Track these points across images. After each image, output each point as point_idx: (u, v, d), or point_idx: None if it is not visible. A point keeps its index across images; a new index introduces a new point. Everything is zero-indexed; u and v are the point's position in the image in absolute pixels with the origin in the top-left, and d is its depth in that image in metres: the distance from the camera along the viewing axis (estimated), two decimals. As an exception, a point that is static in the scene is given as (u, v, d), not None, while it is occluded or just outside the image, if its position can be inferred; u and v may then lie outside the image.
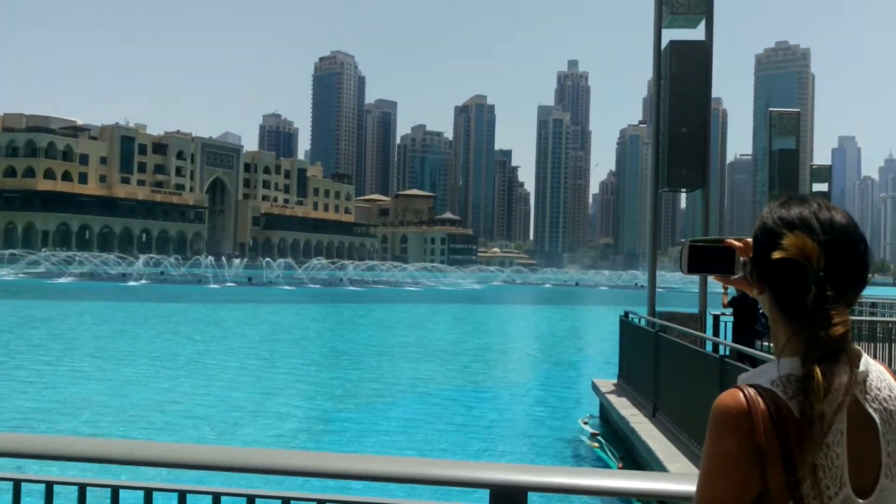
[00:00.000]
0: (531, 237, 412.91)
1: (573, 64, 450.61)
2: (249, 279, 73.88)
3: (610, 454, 11.45)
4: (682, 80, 12.02)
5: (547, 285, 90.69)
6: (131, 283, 61.41)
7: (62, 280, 63.75)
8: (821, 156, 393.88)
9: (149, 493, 2.54)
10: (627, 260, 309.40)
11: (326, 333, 30.51)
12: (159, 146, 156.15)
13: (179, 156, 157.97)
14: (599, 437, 12.41)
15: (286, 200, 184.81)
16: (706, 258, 1.62)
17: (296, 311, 42.32)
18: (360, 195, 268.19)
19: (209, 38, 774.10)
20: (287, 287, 66.18)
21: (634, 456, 10.14)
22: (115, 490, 2.55)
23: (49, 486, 2.60)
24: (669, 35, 12.88)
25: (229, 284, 64.00)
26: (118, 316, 35.36)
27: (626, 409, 11.50)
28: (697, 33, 12.91)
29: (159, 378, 17.61)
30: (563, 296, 69.23)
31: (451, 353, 24.14)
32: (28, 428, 12.18)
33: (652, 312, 12.99)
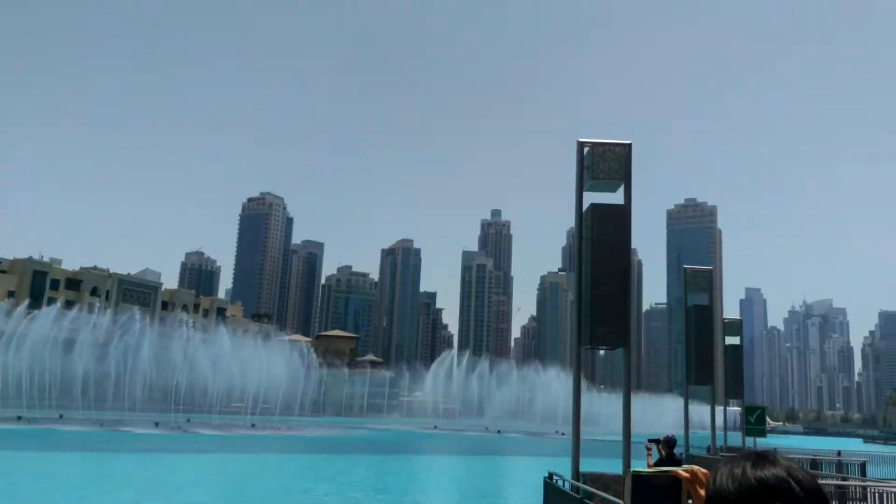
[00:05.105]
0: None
1: (496, 213, 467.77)
2: (156, 424, 71.36)
3: None
4: (603, 242, 12.38)
5: (472, 432, 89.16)
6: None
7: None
8: (730, 306, 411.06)
9: None
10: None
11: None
12: (73, 281, 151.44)
13: (94, 292, 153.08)
14: None
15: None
16: (650, 490, 1.50)
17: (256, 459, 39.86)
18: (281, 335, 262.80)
19: (136, 174, 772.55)
20: (198, 431, 62.96)
21: None
22: None
23: None
24: (590, 197, 13.41)
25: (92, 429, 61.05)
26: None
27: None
28: (616, 197, 13.48)
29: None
30: (482, 445, 67.85)
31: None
32: None
33: (576, 474, 12.64)
